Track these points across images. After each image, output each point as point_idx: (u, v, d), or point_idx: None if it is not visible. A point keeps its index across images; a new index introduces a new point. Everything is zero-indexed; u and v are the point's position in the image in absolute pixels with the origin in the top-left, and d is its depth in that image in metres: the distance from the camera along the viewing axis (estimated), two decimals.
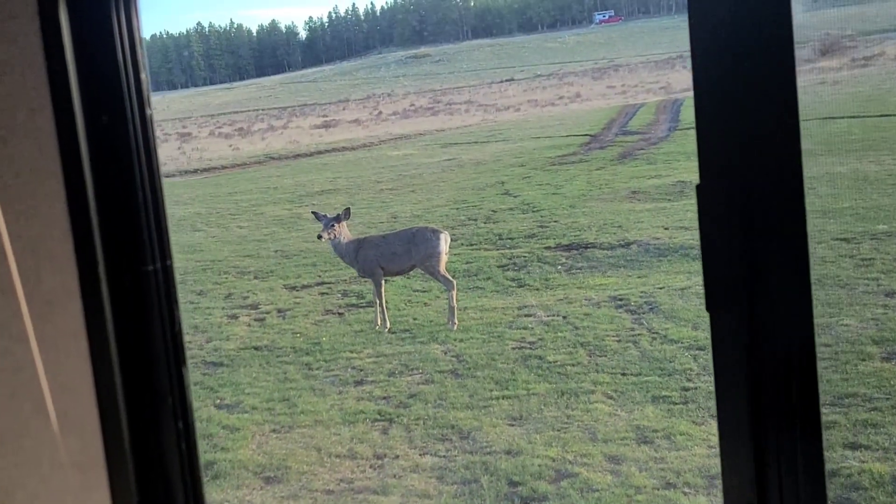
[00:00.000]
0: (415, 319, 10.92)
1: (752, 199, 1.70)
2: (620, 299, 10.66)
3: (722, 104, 1.69)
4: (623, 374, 8.33)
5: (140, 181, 1.91)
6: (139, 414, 1.98)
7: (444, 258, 11.11)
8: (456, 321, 10.43)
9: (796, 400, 1.75)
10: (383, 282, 11.07)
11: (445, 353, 9.51)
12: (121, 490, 1.97)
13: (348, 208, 11.61)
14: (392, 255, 11.15)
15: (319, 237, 11.31)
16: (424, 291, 12.17)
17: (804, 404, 1.75)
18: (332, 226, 11.18)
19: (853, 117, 22.77)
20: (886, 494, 5.69)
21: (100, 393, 1.93)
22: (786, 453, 1.77)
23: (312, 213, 11.93)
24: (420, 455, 7.11)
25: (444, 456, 7.05)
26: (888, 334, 8.23)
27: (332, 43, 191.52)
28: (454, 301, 10.61)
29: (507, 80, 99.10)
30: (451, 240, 12.17)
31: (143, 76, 1.92)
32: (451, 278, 10.97)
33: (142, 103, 1.92)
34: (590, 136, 30.49)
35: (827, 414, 6.83)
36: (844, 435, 6.49)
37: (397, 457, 7.12)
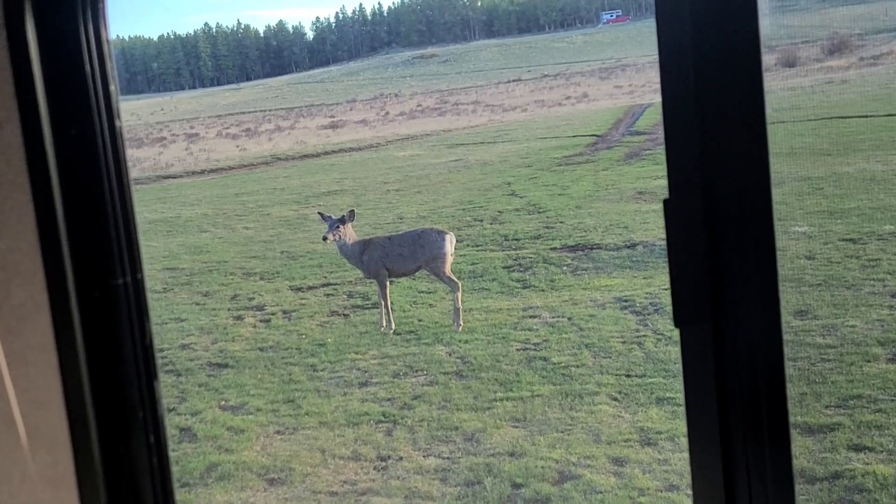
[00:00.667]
0: (420, 321, 10.93)
1: (721, 213, 1.70)
2: (626, 300, 10.64)
3: (690, 120, 1.69)
4: (627, 376, 8.32)
5: (109, 194, 1.90)
6: (110, 428, 1.96)
7: (449, 259, 11.11)
8: (461, 322, 10.43)
9: (765, 412, 1.75)
10: (388, 283, 11.07)
11: (450, 355, 9.51)
12: None
13: (352, 210, 11.61)
14: (398, 256, 11.16)
15: (325, 238, 11.33)
16: (430, 293, 12.17)
17: (773, 417, 1.75)
18: (338, 227, 11.19)
19: (861, 117, 22.71)
20: (890, 497, 5.68)
21: (70, 407, 1.91)
22: (755, 464, 1.76)
23: (318, 213, 11.96)
24: (424, 457, 7.12)
25: (447, 458, 7.05)
26: (894, 335, 8.21)
27: (338, 43, 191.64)
28: (459, 302, 10.61)
29: (514, 81, 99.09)
30: (457, 241, 12.17)
31: (111, 87, 1.91)
32: (456, 280, 10.97)
33: (111, 115, 1.91)
34: (596, 136, 30.47)
35: (831, 415, 6.81)
36: (849, 437, 6.47)
37: (401, 458, 7.12)
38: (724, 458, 1.77)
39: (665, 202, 1.74)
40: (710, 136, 1.68)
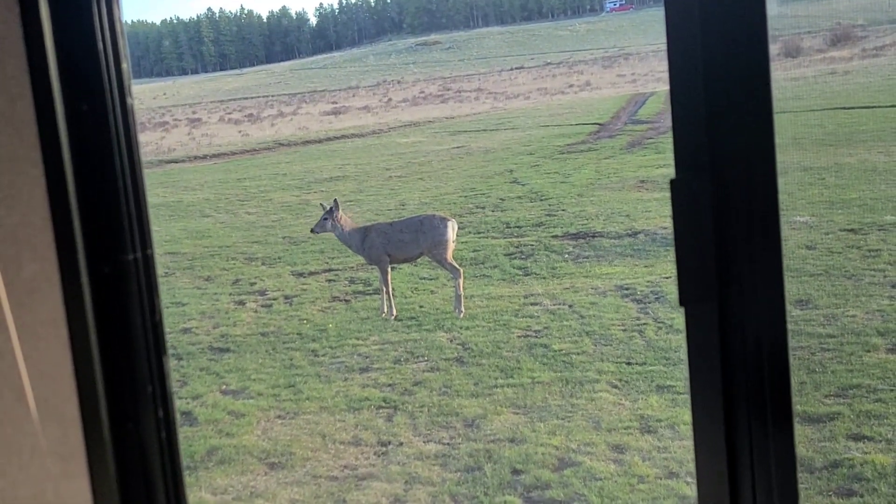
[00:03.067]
0: (421, 307, 10.94)
1: (726, 193, 1.71)
2: (627, 288, 10.66)
3: (697, 99, 1.70)
4: (628, 364, 8.34)
5: (120, 170, 1.92)
6: (119, 402, 1.98)
7: (451, 246, 11.12)
8: (463, 309, 10.45)
9: (769, 393, 1.76)
10: (390, 269, 11.09)
11: (451, 341, 9.53)
12: (101, 478, 1.97)
13: (335, 200, 11.61)
14: (399, 242, 11.16)
15: (313, 231, 11.60)
16: (431, 279, 12.19)
17: (776, 398, 1.76)
18: (326, 220, 11.34)
19: (863, 107, 22.69)
20: (889, 486, 5.70)
21: (80, 381, 1.93)
22: (758, 445, 1.78)
23: (321, 205, 12.00)
24: (424, 442, 7.14)
25: (447, 443, 7.07)
26: (893, 326, 8.23)
27: (342, 29, 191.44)
28: (461, 289, 10.62)
29: (517, 68, 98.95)
30: (459, 228, 12.17)
31: (123, 65, 1.92)
32: (457, 266, 10.98)
33: (122, 92, 1.92)
34: (599, 124, 30.45)
35: (830, 405, 6.83)
36: (848, 426, 6.49)
37: (401, 444, 7.14)
38: (728, 440, 1.79)
39: (672, 182, 1.75)
40: (716, 116, 1.69)
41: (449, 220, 11.27)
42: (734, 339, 1.76)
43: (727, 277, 1.74)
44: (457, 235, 11.47)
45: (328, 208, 11.39)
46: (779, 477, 1.77)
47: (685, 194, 1.74)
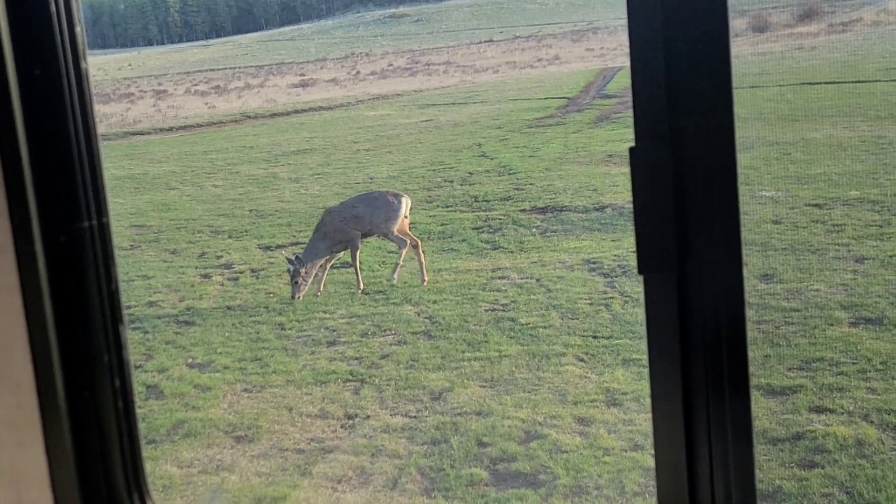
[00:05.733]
0: (388, 280, 10.93)
1: (685, 162, 1.71)
2: (594, 262, 10.69)
3: (657, 69, 1.70)
4: (594, 337, 8.38)
5: (75, 136, 1.89)
6: (75, 372, 1.96)
7: (402, 221, 11.19)
8: (396, 277, 10.71)
9: (726, 363, 1.77)
10: (360, 245, 11.09)
11: (418, 315, 9.53)
12: (56, 448, 1.96)
13: (297, 255, 10.87)
14: (354, 218, 11.13)
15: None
16: (398, 253, 12.16)
17: (734, 367, 1.77)
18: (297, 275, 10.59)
19: (829, 83, 22.82)
20: (850, 458, 5.77)
21: (34, 350, 1.91)
22: (715, 415, 1.79)
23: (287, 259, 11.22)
24: (391, 415, 7.15)
25: (414, 416, 7.09)
26: (857, 300, 8.31)
27: (310, 1, 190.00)
28: (401, 259, 10.84)
29: (486, 42, 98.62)
30: (427, 201, 12.15)
31: (77, 29, 1.89)
32: (403, 238, 11.05)
33: (76, 56, 1.89)
34: (567, 98, 30.43)
35: (794, 378, 6.90)
36: (811, 398, 6.56)
37: (368, 417, 7.15)
38: (686, 409, 1.80)
39: (631, 150, 1.74)
40: (677, 86, 1.70)
41: (403, 196, 11.34)
42: (693, 308, 1.77)
43: (686, 246, 1.74)
44: (421, 209, 11.51)
45: (293, 265, 10.62)
46: (735, 446, 1.78)
47: (645, 163, 1.74)
